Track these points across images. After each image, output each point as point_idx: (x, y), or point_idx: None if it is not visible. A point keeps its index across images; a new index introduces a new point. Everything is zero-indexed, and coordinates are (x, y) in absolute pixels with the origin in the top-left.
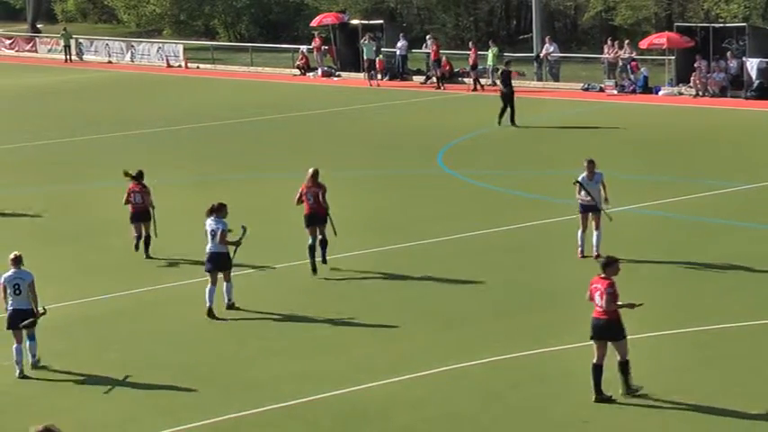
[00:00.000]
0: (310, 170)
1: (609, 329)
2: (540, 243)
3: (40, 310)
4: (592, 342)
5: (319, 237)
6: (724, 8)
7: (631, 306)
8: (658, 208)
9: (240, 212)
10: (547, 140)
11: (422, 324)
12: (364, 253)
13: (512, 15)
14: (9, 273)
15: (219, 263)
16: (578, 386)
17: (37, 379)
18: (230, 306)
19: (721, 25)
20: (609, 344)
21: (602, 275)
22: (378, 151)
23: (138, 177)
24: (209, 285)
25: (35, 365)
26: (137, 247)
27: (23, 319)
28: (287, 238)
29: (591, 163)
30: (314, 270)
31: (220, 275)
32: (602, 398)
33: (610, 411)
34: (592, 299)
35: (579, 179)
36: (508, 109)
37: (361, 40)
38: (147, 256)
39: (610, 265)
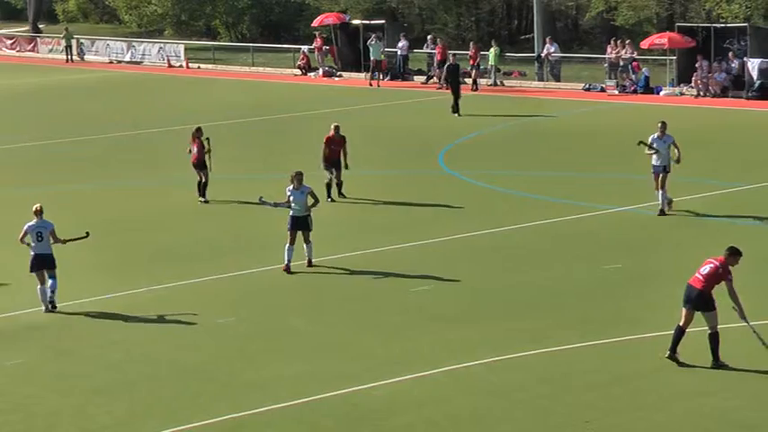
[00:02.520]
0: (334, 125)
1: (702, 300)
2: (541, 243)
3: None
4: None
5: (336, 180)
6: (725, 8)
7: (743, 316)
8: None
9: (241, 212)
10: (548, 141)
11: (423, 324)
12: (365, 253)
13: (513, 15)
14: (32, 222)
15: (301, 224)
16: (579, 386)
17: (39, 379)
18: (310, 263)
19: (722, 25)
20: (697, 314)
21: (725, 259)
22: (379, 151)
23: (198, 132)
24: (287, 244)
25: (52, 301)
26: (198, 188)
27: (46, 263)
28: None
29: (663, 124)
30: (329, 197)
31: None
32: (672, 356)
33: (610, 412)
34: (700, 269)
35: (650, 138)
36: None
37: (368, 41)
38: (205, 200)
39: (733, 255)
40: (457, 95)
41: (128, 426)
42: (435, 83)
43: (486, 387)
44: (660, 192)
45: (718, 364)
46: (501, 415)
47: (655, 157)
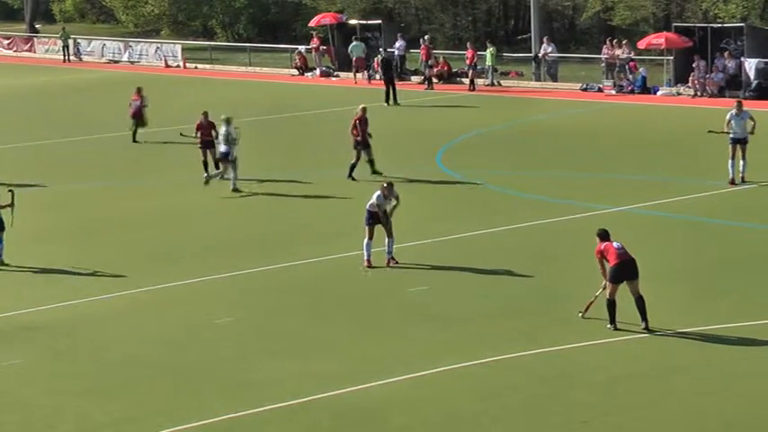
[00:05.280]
0: (361, 106)
1: (637, 267)
2: (539, 243)
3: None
4: (610, 285)
5: (367, 158)
6: (722, 8)
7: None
8: (657, 208)
9: (238, 212)
10: (545, 141)
11: (421, 324)
12: (363, 253)
13: (510, 15)
14: None
15: (377, 218)
16: (577, 386)
17: (37, 379)
18: (390, 261)
19: (719, 25)
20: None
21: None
22: (376, 151)
23: (206, 115)
24: (366, 239)
25: (2, 262)
26: (206, 167)
27: None
28: (287, 239)
29: (740, 102)
30: (352, 178)
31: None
32: (616, 327)
33: (608, 411)
34: (608, 253)
35: (727, 115)
36: (391, 91)
37: (352, 44)
38: (212, 177)
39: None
40: (389, 86)
41: (125, 426)
42: (429, 83)
43: (484, 387)
44: (742, 162)
45: (647, 326)
46: (499, 415)
47: (733, 131)
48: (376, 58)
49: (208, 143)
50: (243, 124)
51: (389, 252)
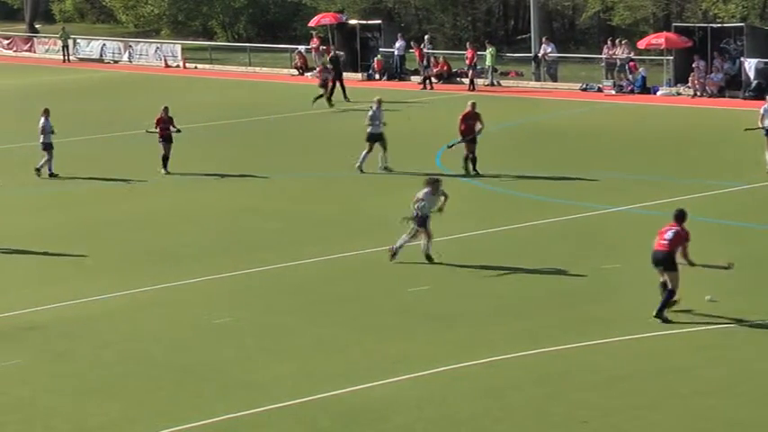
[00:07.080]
0: (471, 102)
1: (669, 260)
2: (540, 244)
3: None
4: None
5: (470, 155)
6: (722, 8)
7: (708, 264)
8: (657, 208)
9: (236, 212)
10: (545, 141)
11: (421, 324)
12: (363, 253)
13: (510, 15)
14: None
15: (422, 222)
16: (578, 386)
17: (36, 379)
18: (429, 257)
19: (719, 25)
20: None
21: (681, 223)
22: (375, 151)
23: (166, 111)
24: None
25: None
26: (164, 163)
27: None
28: (286, 238)
29: None
30: (467, 172)
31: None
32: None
33: (609, 412)
34: (662, 234)
35: (761, 109)
36: (339, 89)
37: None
38: (167, 172)
39: (685, 217)
40: (342, 84)
41: (125, 426)
42: (428, 83)
43: (484, 387)
44: None
45: (660, 315)
46: (499, 415)
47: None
48: (376, 58)
49: (167, 137)
50: (244, 124)
51: (400, 246)
